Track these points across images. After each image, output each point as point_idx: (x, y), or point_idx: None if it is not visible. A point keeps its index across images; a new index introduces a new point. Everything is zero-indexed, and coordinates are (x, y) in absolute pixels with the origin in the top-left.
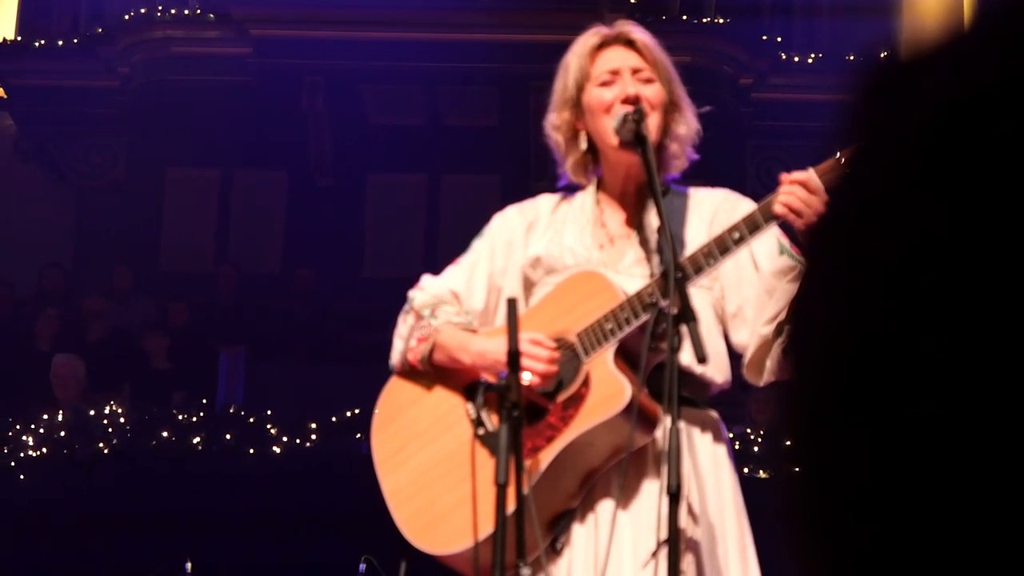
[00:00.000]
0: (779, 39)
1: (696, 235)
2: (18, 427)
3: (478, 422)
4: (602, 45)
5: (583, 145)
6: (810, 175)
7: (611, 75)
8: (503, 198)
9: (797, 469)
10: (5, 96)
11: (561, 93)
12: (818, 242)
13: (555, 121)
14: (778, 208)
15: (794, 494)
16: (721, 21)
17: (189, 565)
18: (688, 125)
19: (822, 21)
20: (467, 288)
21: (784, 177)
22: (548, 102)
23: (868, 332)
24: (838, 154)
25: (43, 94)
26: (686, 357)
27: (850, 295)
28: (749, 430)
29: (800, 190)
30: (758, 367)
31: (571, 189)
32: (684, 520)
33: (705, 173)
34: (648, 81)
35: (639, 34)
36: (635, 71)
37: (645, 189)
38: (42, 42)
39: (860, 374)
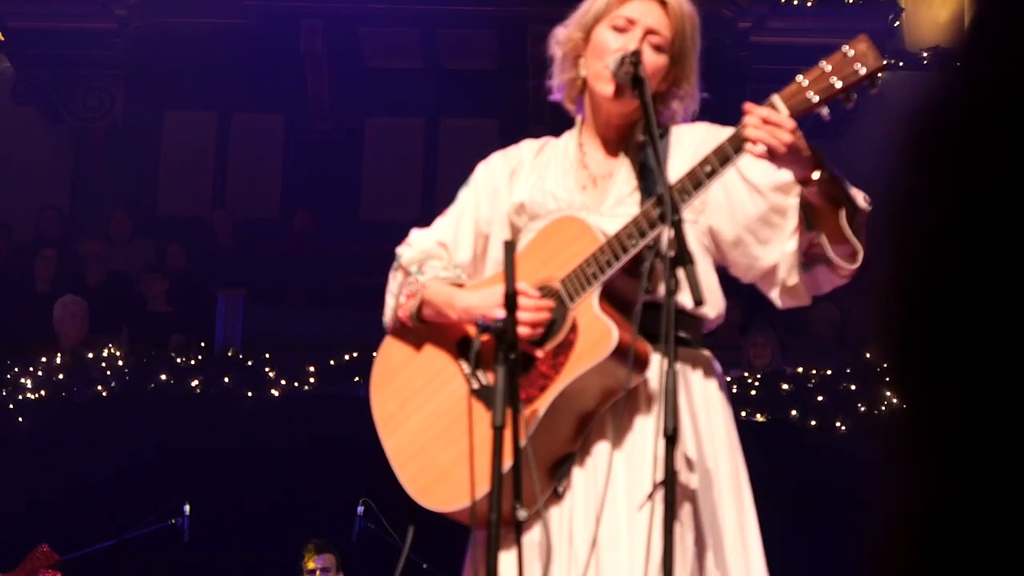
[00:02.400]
0: None
1: (679, 171)
2: (16, 369)
3: (472, 376)
4: None
5: (582, 72)
6: (776, 106)
7: (627, 22)
8: (502, 142)
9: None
10: (2, 38)
11: (581, 15)
12: (915, 145)
13: (562, 36)
14: (753, 148)
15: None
16: None
17: (188, 507)
18: (685, 103)
19: None
20: (454, 238)
21: (748, 107)
22: (547, 47)
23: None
24: (799, 77)
25: (40, 36)
26: (681, 297)
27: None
28: (746, 373)
29: (766, 126)
30: (795, 289)
31: (559, 131)
32: (680, 462)
33: (704, 116)
34: (658, 48)
35: None
36: (651, 32)
37: (629, 131)
38: None
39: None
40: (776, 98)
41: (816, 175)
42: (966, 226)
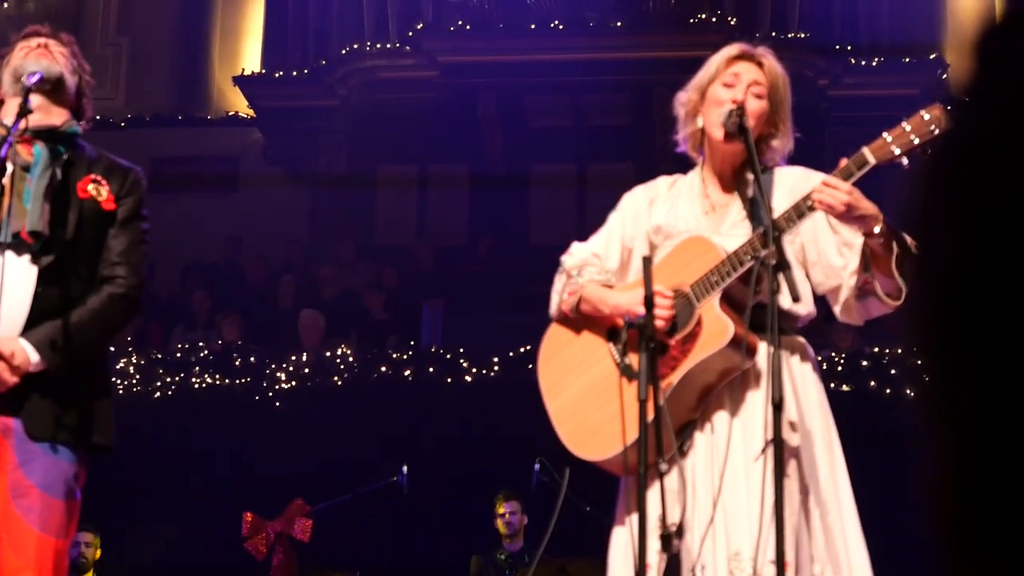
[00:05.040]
0: (849, 47)
1: (780, 202)
2: (273, 367)
3: (621, 358)
4: (739, 57)
5: (699, 124)
6: (859, 161)
7: (733, 79)
8: (636, 181)
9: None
10: (255, 115)
11: (697, 81)
12: (938, 176)
13: (683, 99)
14: (817, 206)
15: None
16: (803, 35)
17: (405, 468)
18: (783, 142)
19: (883, 30)
20: (605, 251)
21: (822, 181)
22: (670, 105)
23: (987, 258)
24: (844, 162)
25: (283, 113)
26: (781, 299)
27: (965, 219)
28: (833, 353)
29: (828, 189)
30: (849, 311)
31: (683, 171)
32: (785, 425)
33: (796, 155)
34: (759, 96)
35: (768, 60)
36: (753, 84)
37: (740, 169)
38: (280, 73)
39: (979, 297)
40: (865, 150)
41: (876, 229)
42: (984, 241)
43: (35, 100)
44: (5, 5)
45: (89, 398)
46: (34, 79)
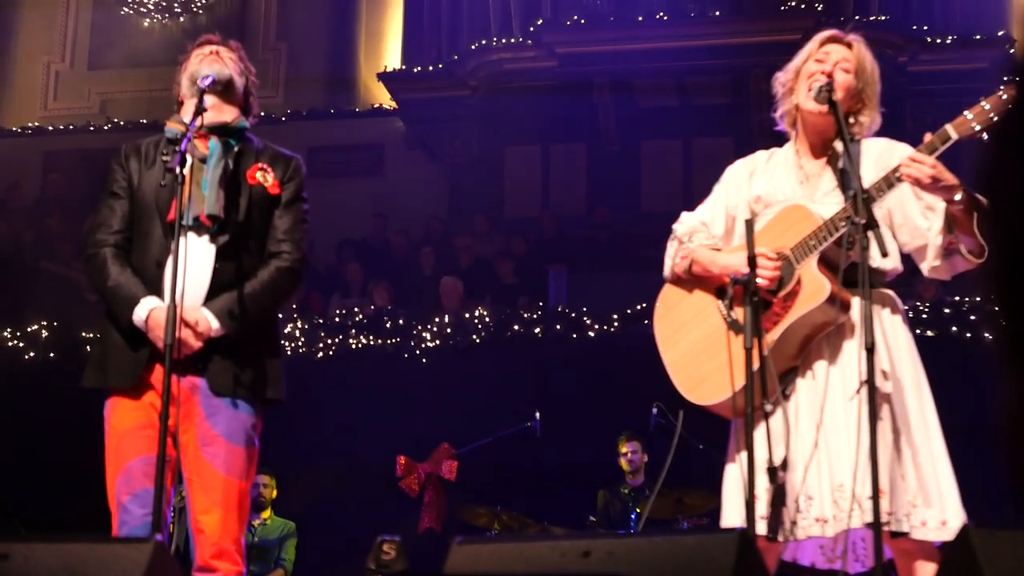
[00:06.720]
0: (925, 27)
1: (867, 171)
2: (419, 327)
3: (728, 312)
4: (830, 39)
5: (795, 101)
6: (941, 138)
7: (824, 56)
8: (735, 154)
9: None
10: (397, 107)
11: (794, 62)
12: (1006, 137)
13: (782, 78)
14: (905, 178)
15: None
16: (883, 18)
17: (538, 414)
18: (870, 118)
19: (955, 11)
20: (711, 218)
21: (909, 156)
22: (765, 84)
23: None
24: (928, 137)
25: (421, 103)
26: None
27: None
28: (918, 303)
29: (915, 164)
30: (937, 268)
31: (778, 144)
32: (877, 373)
33: (880, 125)
34: (846, 71)
35: (858, 43)
36: (841, 60)
37: (830, 141)
38: (418, 68)
39: None
40: (948, 127)
41: (957, 197)
42: None
43: (209, 100)
44: (182, 19)
45: (262, 358)
46: (207, 82)
